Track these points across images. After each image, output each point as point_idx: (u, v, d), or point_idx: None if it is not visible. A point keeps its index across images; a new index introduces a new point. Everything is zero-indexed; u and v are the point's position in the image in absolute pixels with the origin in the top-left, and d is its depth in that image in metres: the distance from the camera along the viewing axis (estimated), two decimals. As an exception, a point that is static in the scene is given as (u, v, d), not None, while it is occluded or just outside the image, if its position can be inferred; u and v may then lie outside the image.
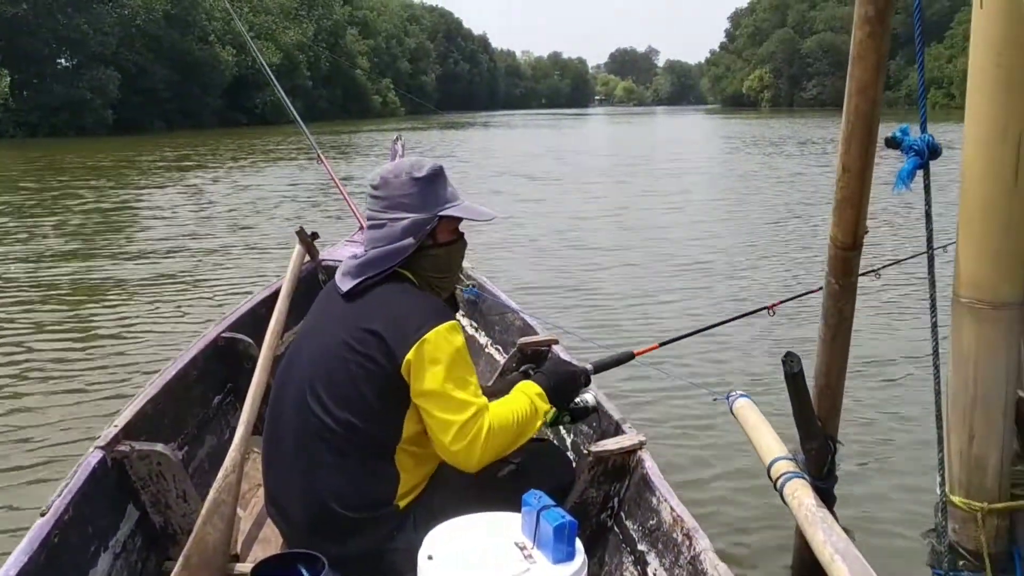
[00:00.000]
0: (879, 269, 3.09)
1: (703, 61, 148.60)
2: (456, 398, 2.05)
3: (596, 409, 2.51)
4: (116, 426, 2.36)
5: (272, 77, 5.59)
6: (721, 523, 3.25)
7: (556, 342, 3.43)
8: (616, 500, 2.43)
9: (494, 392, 2.36)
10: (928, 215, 1.30)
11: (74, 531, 2.05)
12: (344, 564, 2.00)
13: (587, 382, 2.48)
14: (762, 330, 5.97)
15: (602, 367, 2.65)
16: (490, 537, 1.83)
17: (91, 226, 11.46)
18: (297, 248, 3.81)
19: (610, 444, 2.41)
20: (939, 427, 1.46)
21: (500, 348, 3.87)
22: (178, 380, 2.81)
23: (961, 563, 1.51)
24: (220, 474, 2.35)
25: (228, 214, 12.40)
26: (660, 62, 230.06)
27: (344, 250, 4.20)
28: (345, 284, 2.20)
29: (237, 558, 2.38)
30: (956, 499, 1.47)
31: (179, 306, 7.00)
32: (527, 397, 2.22)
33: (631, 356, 2.77)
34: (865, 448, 4.10)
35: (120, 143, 31.05)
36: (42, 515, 1.98)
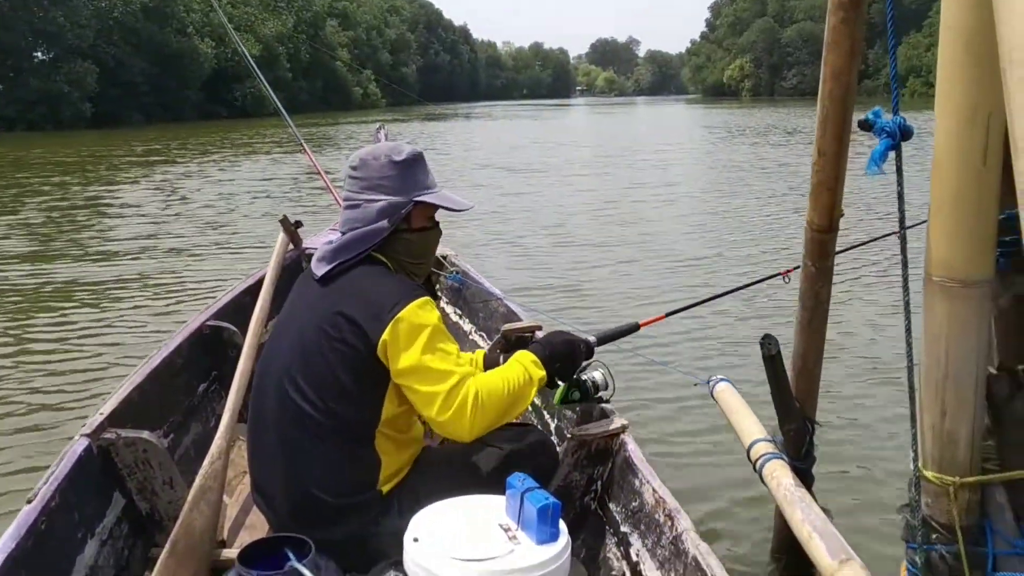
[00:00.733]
0: (856, 246, 3.08)
1: (684, 51, 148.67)
2: (436, 369, 2.05)
3: (607, 386, 2.46)
4: (102, 414, 2.36)
5: (255, 67, 5.56)
6: (702, 504, 3.30)
7: (540, 328, 3.45)
8: (599, 483, 2.45)
9: (489, 367, 2.37)
10: (900, 196, 1.33)
11: (61, 518, 2.05)
12: (330, 549, 2.01)
13: (589, 354, 2.43)
14: (742, 316, 6.03)
15: (606, 338, 2.59)
16: (475, 519, 1.85)
17: (69, 221, 11.35)
18: (281, 236, 3.81)
19: (593, 428, 2.43)
20: (912, 404, 1.49)
21: (484, 335, 3.89)
22: (163, 368, 2.82)
23: (934, 536, 1.54)
24: (206, 461, 2.37)
25: (206, 208, 12.23)
26: (641, 52, 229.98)
27: (328, 236, 4.21)
28: (319, 269, 2.21)
29: (224, 544, 2.40)
30: (929, 474, 1.50)
31: (163, 298, 6.99)
32: (520, 364, 2.22)
33: (637, 327, 2.72)
34: (843, 428, 4.17)
35: (97, 137, 30.72)
36: (28, 502, 1.99)
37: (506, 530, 1.81)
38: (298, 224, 4.05)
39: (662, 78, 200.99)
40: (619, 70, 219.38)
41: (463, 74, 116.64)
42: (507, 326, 3.46)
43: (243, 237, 9.76)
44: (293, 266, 3.89)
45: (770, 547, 2.98)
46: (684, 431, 4.09)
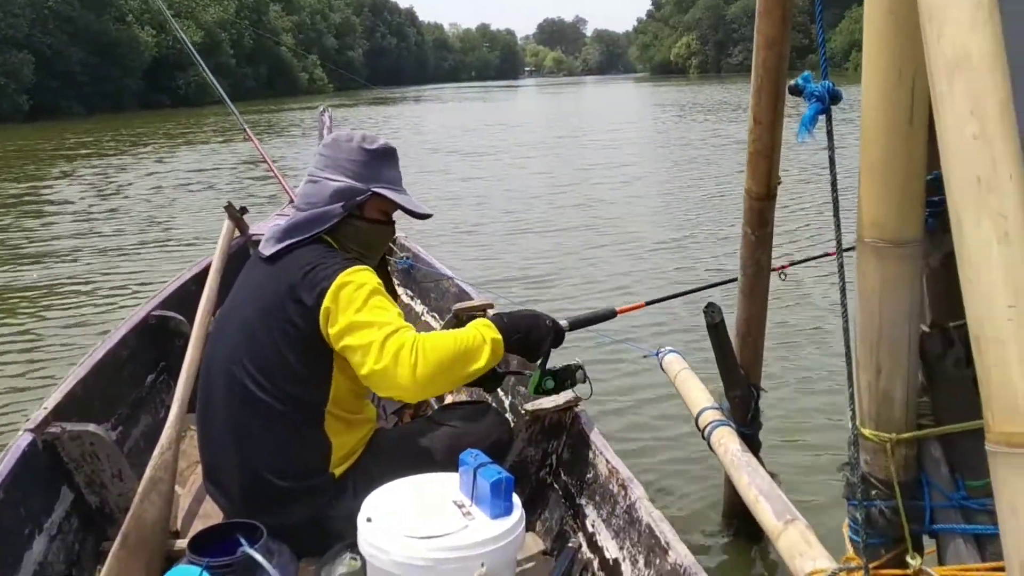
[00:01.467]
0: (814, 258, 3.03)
1: (631, 29, 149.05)
2: (371, 320, 1.98)
3: (581, 368, 2.35)
4: (46, 408, 2.32)
5: (196, 56, 5.45)
6: (655, 473, 3.35)
7: (491, 306, 3.47)
8: (554, 457, 2.47)
9: None
10: (831, 159, 1.34)
11: (7, 514, 2.02)
12: (285, 534, 2.01)
13: (559, 337, 2.28)
14: (673, 279, 6.12)
15: (580, 323, 2.47)
16: (428, 497, 1.86)
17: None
18: (226, 223, 3.75)
19: (546, 402, 2.45)
20: (848, 364, 1.51)
21: (436, 315, 3.89)
22: (108, 360, 2.77)
23: (873, 492, 1.58)
24: (156, 451, 2.34)
25: (144, 202, 11.80)
26: (588, 32, 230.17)
27: (275, 223, 4.17)
28: (268, 248, 2.19)
29: (178, 535, 2.37)
30: (866, 432, 1.53)
31: (105, 295, 6.85)
32: (472, 326, 2.11)
33: (614, 313, 2.60)
34: (788, 393, 4.27)
35: (32, 130, 29.85)
36: None
37: (460, 506, 1.82)
38: (243, 210, 4.00)
39: (610, 57, 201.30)
40: (567, 50, 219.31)
41: (410, 57, 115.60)
42: (458, 305, 3.48)
43: (183, 232, 9.40)
44: (240, 253, 3.84)
45: (720, 512, 3.04)
46: (635, 402, 4.14)
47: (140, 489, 2.23)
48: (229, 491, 2.17)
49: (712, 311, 2.16)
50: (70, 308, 6.52)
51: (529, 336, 2.18)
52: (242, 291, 2.26)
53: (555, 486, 2.47)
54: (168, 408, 2.55)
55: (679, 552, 1.80)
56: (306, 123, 26.94)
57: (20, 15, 39.51)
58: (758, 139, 1.87)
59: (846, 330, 1.51)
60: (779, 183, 1.99)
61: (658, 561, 1.87)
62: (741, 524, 2.89)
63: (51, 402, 2.36)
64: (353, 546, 1.87)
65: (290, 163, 14.52)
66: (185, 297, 3.41)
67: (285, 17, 67.64)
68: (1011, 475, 1.06)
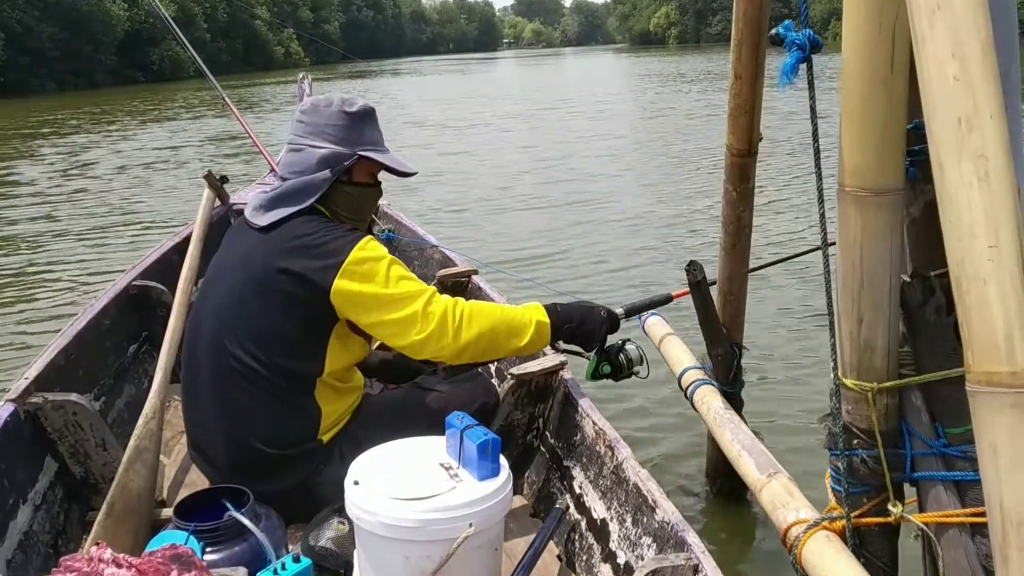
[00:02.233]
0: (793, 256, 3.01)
1: (610, 0, 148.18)
2: (405, 292, 2.03)
3: (642, 361, 2.38)
4: (27, 378, 2.30)
5: (173, 25, 5.32)
6: (640, 433, 3.38)
7: (476, 272, 3.47)
8: (540, 420, 2.48)
9: None
10: (812, 108, 1.35)
11: None
12: (273, 500, 2.00)
13: (614, 325, 2.34)
14: (675, 255, 6.12)
15: (635, 310, 2.54)
16: (415, 460, 1.86)
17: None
18: (206, 192, 3.71)
19: (532, 366, 2.45)
20: (830, 314, 1.52)
21: (413, 274, 3.88)
22: (90, 330, 2.74)
23: (855, 442, 1.59)
24: (140, 421, 2.32)
25: (114, 182, 11.40)
26: (567, 2, 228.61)
27: (255, 192, 4.13)
28: (258, 218, 2.16)
29: (164, 504, 2.37)
30: (848, 381, 1.55)
31: (83, 261, 6.77)
32: (523, 307, 2.18)
33: (669, 298, 2.64)
34: (770, 350, 4.31)
35: (4, 107, 29.37)
36: None
37: (447, 468, 1.82)
38: (224, 180, 3.95)
39: (589, 28, 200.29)
40: (546, 21, 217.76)
41: (387, 30, 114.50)
42: (442, 272, 3.47)
43: (153, 212, 9.08)
44: (220, 223, 3.81)
45: (705, 469, 3.07)
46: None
47: (125, 458, 2.21)
48: (215, 459, 2.17)
49: (693, 269, 2.16)
50: (49, 281, 6.48)
51: (583, 326, 2.25)
52: (229, 260, 2.23)
53: (542, 449, 2.48)
54: (151, 378, 2.53)
55: (666, 510, 1.81)
56: (284, 97, 26.62)
57: (-13, -10, 38.85)
58: (739, 94, 1.87)
59: (828, 281, 1.52)
60: (760, 139, 1.99)
61: (645, 520, 1.89)
62: (725, 481, 2.92)
63: (32, 372, 2.34)
64: (341, 510, 1.87)
65: (268, 139, 14.30)
66: (166, 267, 3.38)
67: (259, -11, 66.72)
68: (990, 414, 1.07)
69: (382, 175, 2.28)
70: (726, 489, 2.94)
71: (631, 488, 1.98)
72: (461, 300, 2.09)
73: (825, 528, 1.66)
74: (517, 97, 24.55)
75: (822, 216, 1.45)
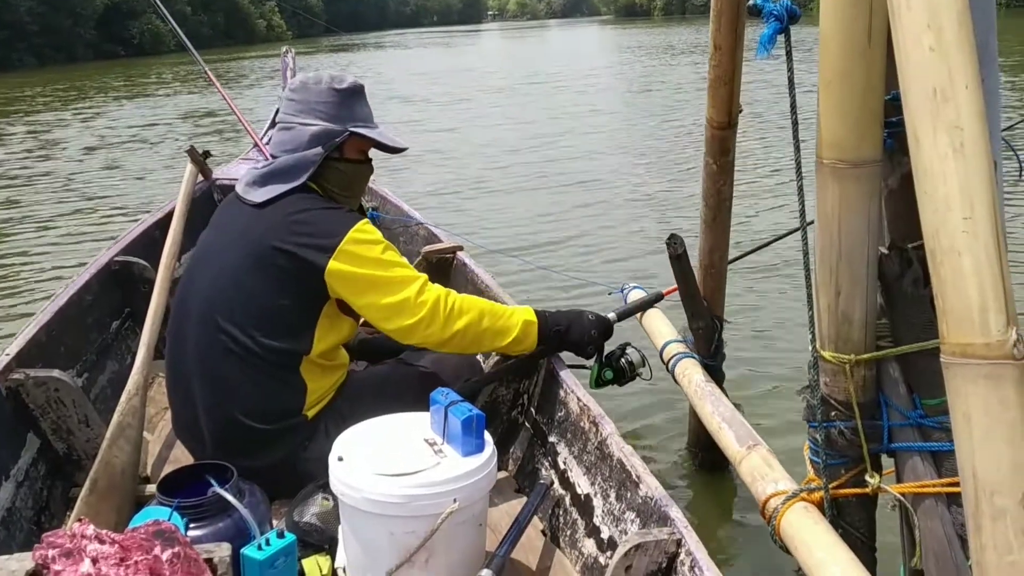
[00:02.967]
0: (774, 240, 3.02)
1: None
2: (396, 277, 2.07)
3: (644, 363, 2.43)
4: (8, 354, 2.29)
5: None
6: (624, 408, 3.39)
7: (461, 248, 3.47)
8: (525, 396, 2.49)
9: None
10: (790, 80, 1.34)
11: None
12: (257, 477, 2.00)
13: (606, 329, 2.36)
14: (656, 229, 6.12)
15: (626, 314, 2.59)
16: (400, 436, 1.87)
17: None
18: (189, 168, 3.67)
19: None
20: (808, 287, 1.53)
21: (405, 259, 3.87)
22: (72, 306, 2.72)
23: (833, 414, 1.61)
24: (123, 397, 2.32)
25: (89, 159, 11.13)
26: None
27: (239, 167, 4.09)
28: (252, 194, 2.17)
29: (148, 480, 2.37)
30: (826, 354, 1.56)
31: (65, 237, 6.71)
32: (512, 307, 2.24)
33: (660, 296, 2.70)
34: (750, 322, 4.32)
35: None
36: None
37: (431, 444, 1.83)
38: (206, 155, 3.91)
39: (574, 0, 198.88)
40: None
41: (371, 2, 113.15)
42: (428, 248, 3.47)
43: (125, 199, 8.64)
44: (204, 198, 3.78)
45: (686, 442, 3.09)
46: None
47: (108, 435, 2.21)
48: (200, 435, 2.17)
49: (674, 242, 2.16)
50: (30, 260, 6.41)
51: (570, 331, 2.27)
52: (222, 236, 2.22)
53: (527, 425, 2.49)
54: (134, 354, 2.52)
55: (650, 486, 1.82)
56: (264, 71, 26.32)
57: (-37, -37, 38.15)
58: (718, 65, 1.86)
59: (806, 254, 1.53)
60: (740, 111, 1.99)
61: (629, 495, 1.90)
62: (706, 454, 2.94)
63: (13, 348, 2.33)
64: (325, 486, 1.88)
65: (251, 116, 14.01)
66: (148, 242, 3.35)
67: (240, -39, 65.81)
68: (964, 385, 1.08)
69: (372, 152, 2.28)
70: (707, 462, 2.97)
71: (615, 463, 1.99)
72: (453, 292, 2.12)
73: (803, 499, 1.68)
74: (503, 71, 24.13)
75: (800, 189, 1.45)
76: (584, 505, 2.08)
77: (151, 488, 2.25)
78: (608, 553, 1.91)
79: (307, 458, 2.11)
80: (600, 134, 11.16)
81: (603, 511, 1.99)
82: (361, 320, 2.23)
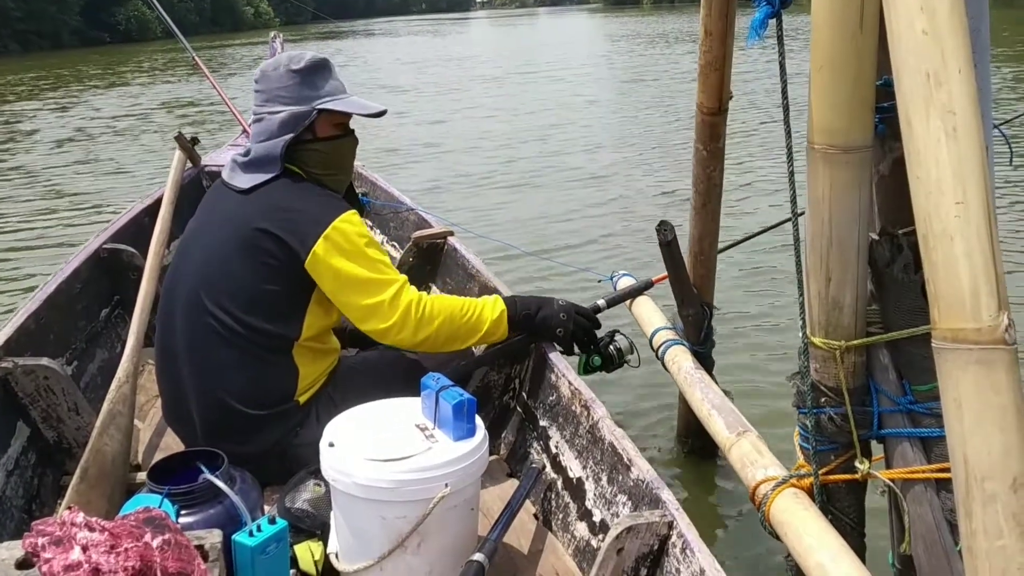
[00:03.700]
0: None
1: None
2: (374, 279, 2.06)
3: (632, 350, 2.45)
4: None
5: None
6: (614, 393, 3.40)
7: (451, 233, 3.46)
8: (517, 381, 2.49)
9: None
10: (782, 65, 1.34)
11: None
12: (248, 463, 2.00)
13: (573, 315, 2.34)
14: (646, 216, 6.12)
15: (615, 301, 2.63)
16: (391, 421, 1.87)
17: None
18: (177, 154, 3.64)
19: None
20: (799, 273, 1.53)
21: (396, 244, 3.87)
22: (60, 294, 2.70)
23: (823, 400, 1.61)
24: (113, 385, 2.31)
25: (63, 153, 10.81)
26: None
27: (228, 154, 4.08)
28: (237, 180, 2.16)
29: (139, 468, 2.36)
30: (816, 340, 1.56)
31: (50, 227, 6.65)
32: (482, 299, 2.25)
33: (649, 284, 2.73)
34: (740, 309, 4.33)
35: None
36: None
37: (423, 429, 1.83)
38: (195, 141, 3.88)
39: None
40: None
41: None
42: (418, 233, 3.46)
43: (102, 195, 8.39)
44: (192, 185, 3.76)
45: (675, 428, 3.10)
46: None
47: (98, 423, 2.20)
48: (191, 422, 2.16)
49: (664, 229, 2.16)
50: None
51: (539, 313, 2.29)
52: (210, 222, 2.21)
53: (518, 409, 2.49)
54: (124, 342, 2.51)
55: (641, 468, 1.83)
56: (248, 59, 26.08)
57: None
58: (709, 50, 1.86)
59: (796, 240, 1.53)
60: (731, 97, 1.99)
61: (620, 478, 1.90)
62: (696, 440, 2.95)
63: (1, 336, 2.31)
64: (317, 472, 1.87)
65: (238, 104, 13.80)
66: (137, 230, 3.33)
67: (227, -54, 65.25)
68: (956, 370, 1.09)
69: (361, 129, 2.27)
70: (697, 448, 2.98)
71: (606, 447, 1.99)
72: (426, 295, 2.13)
73: (793, 485, 1.68)
74: (493, 60, 23.88)
75: (791, 174, 1.45)
76: (576, 488, 2.09)
77: (142, 476, 2.24)
78: (600, 536, 1.92)
79: (298, 444, 2.11)
80: (593, 124, 11.13)
81: (595, 494, 2.00)
82: None
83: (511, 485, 2.23)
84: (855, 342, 1.55)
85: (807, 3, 1.34)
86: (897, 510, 1.61)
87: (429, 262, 3.48)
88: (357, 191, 4.10)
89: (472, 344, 2.25)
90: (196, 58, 4.57)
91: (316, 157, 2.18)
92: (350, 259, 2.04)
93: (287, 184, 2.13)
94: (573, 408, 2.19)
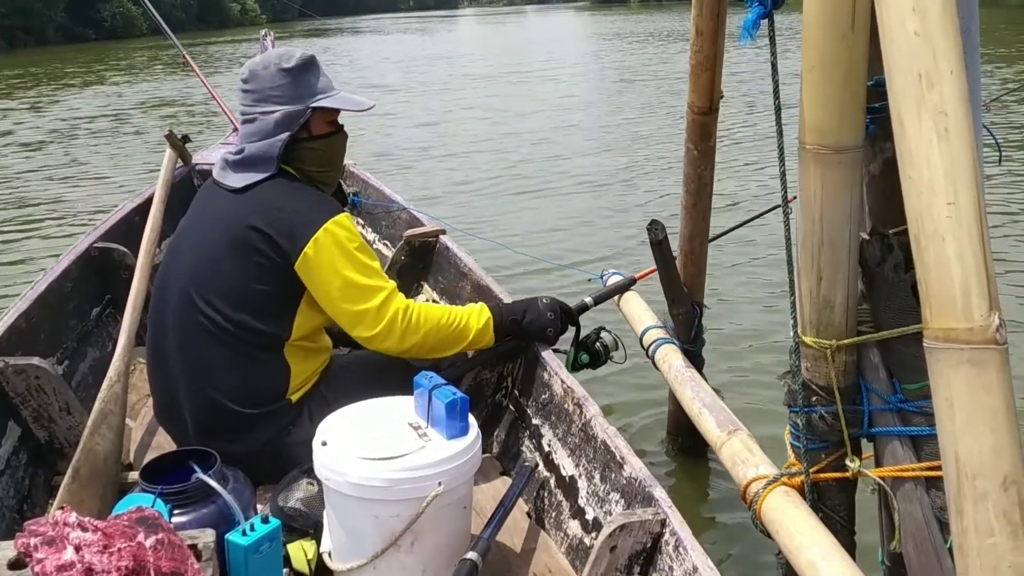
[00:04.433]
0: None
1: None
2: (363, 285, 2.06)
3: (618, 347, 2.50)
4: None
5: None
6: (606, 391, 3.40)
7: (443, 232, 3.47)
8: (509, 379, 2.49)
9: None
10: (773, 65, 1.35)
11: None
12: (241, 462, 2.00)
13: (567, 314, 2.41)
14: (636, 214, 6.13)
15: (601, 298, 2.65)
16: (384, 420, 1.87)
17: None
18: (168, 153, 3.63)
19: None
20: (790, 272, 1.54)
21: (388, 243, 3.87)
22: (51, 293, 2.69)
23: (814, 399, 1.62)
24: (104, 384, 2.30)
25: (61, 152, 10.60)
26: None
27: (219, 152, 4.07)
28: (229, 179, 2.15)
29: (131, 467, 2.36)
30: (808, 339, 1.57)
31: (40, 226, 6.60)
32: (468, 307, 2.27)
33: (632, 281, 2.77)
34: (731, 308, 4.34)
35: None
36: None
37: (416, 428, 1.83)
38: (186, 139, 3.87)
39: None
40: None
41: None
42: (410, 232, 3.46)
43: (102, 186, 8.47)
44: (183, 184, 3.75)
45: (667, 426, 3.11)
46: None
47: (90, 422, 2.20)
48: (183, 421, 2.16)
49: (655, 228, 2.17)
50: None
51: (526, 316, 2.32)
52: (202, 222, 2.21)
53: (511, 408, 2.50)
54: (115, 341, 2.50)
55: (634, 466, 1.84)
56: (234, 56, 25.94)
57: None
58: (700, 50, 1.86)
59: (788, 240, 1.54)
60: (722, 97, 2.00)
61: (613, 476, 1.91)
62: (686, 439, 2.96)
63: None
64: (310, 471, 1.87)
65: (227, 101, 13.65)
66: (128, 228, 3.32)
67: (212, -58, 64.82)
68: (947, 370, 1.10)
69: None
70: (688, 447, 2.99)
71: (599, 445, 2.00)
72: (414, 303, 2.13)
73: (784, 484, 1.69)
74: (482, 59, 23.77)
75: (783, 174, 1.46)
76: (569, 486, 2.09)
77: (134, 475, 2.24)
78: (593, 534, 1.93)
79: (291, 443, 2.11)
80: (584, 124, 11.08)
81: (588, 492, 2.01)
82: None
83: (504, 483, 2.23)
84: (846, 341, 1.55)
85: (799, 2, 1.35)
86: (887, 508, 1.62)
87: (421, 261, 3.48)
88: (348, 190, 4.11)
89: (460, 350, 2.26)
90: (186, 56, 4.55)
91: (312, 155, 2.18)
92: (340, 263, 2.04)
93: (281, 184, 2.13)
94: (566, 406, 2.20)
